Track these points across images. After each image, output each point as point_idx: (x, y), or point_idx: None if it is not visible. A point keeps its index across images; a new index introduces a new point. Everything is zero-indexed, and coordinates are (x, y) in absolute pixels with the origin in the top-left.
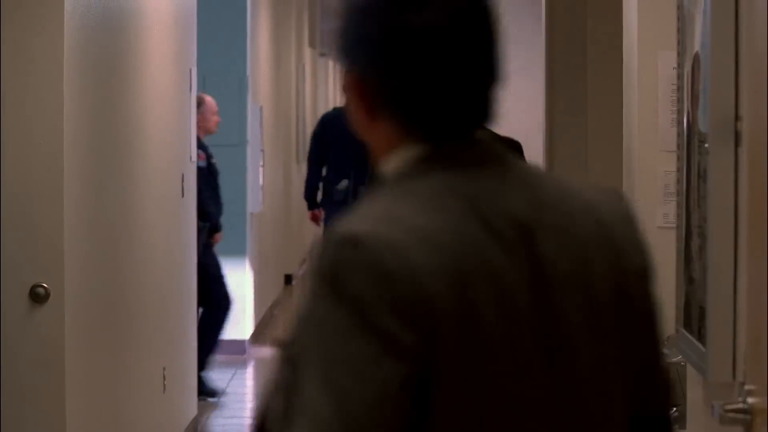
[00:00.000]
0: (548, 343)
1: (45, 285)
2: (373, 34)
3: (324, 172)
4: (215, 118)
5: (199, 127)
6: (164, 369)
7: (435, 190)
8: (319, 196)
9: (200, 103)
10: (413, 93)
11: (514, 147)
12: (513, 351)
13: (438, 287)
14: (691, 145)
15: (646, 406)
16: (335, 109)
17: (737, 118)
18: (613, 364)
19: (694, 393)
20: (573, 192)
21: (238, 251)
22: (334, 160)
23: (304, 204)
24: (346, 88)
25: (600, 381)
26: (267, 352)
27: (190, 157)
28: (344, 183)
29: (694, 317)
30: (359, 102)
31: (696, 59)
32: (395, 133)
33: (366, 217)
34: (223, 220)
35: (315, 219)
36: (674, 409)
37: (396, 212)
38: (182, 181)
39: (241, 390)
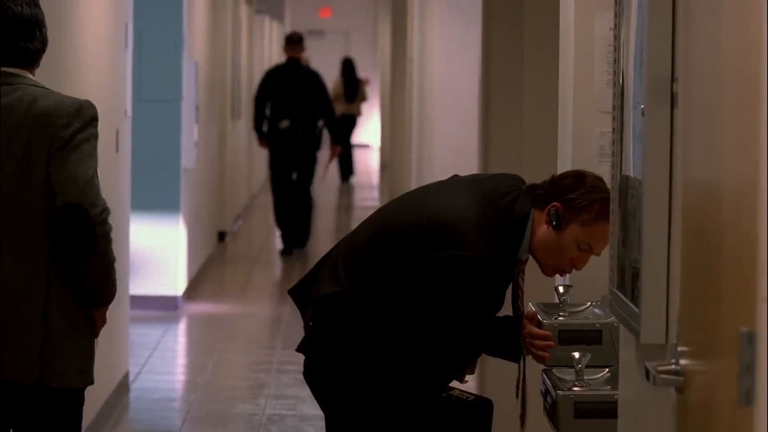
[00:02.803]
0: None
1: None
2: None
3: (268, 113)
4: None
5: None
6: None
7: None
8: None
9: None
10: None
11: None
12: None
13: None
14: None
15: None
16: (277, 66)
17: (673, 79)
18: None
19: (626, 354)
20: (39, 98)
21: (171, 207)
22: (275, 105)
23: (238, 161)
24: None
25: (15, 196)
26: (199, 308)
27: (125, 112)
28: (285, 122)
29: (627, 278)
30: None
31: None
32: None
33: None
34: (157, 176)
35: (262, 145)
36: (607, 369)
37: None
38: (117, 135)
39: (173, 346)
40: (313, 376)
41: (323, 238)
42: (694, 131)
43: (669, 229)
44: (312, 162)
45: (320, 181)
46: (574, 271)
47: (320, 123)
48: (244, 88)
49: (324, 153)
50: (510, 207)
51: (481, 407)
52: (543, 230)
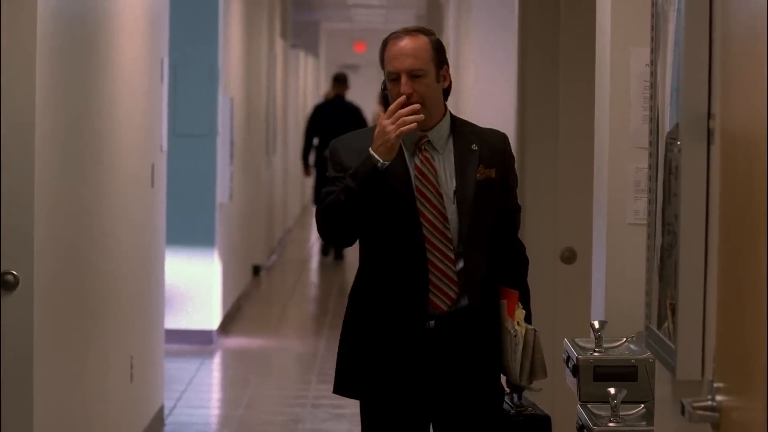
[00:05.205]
0: None
1: (14, 272)
2: None
3: (316, 142)
4: None
5: None
6: (132, 358)
7: None
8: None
9: None
10: None
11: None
12: None
13: None
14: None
15: None
16: (325, 102)
17: (710, 115)
18: None
19: (662, 390)
20: None
21: (206, 242)
22: (322, 135)
23: (273, 195)
24: None
25: None
26: (234, 342)
27: (161, 147)
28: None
29: (663, 314)
30: None
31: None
32: None
33: None
34: (192, 210)
35: (306, 173)
36: (642, 405)
37: None
38: (152, 170)
39: (208, 380)
40: None
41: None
42: (731, 164)
43: (705, 265)
44: None
45: None
46: (609, 306)
47: None
48: (279, 122)
49: None
50: None
51: (539, 422)
52: None
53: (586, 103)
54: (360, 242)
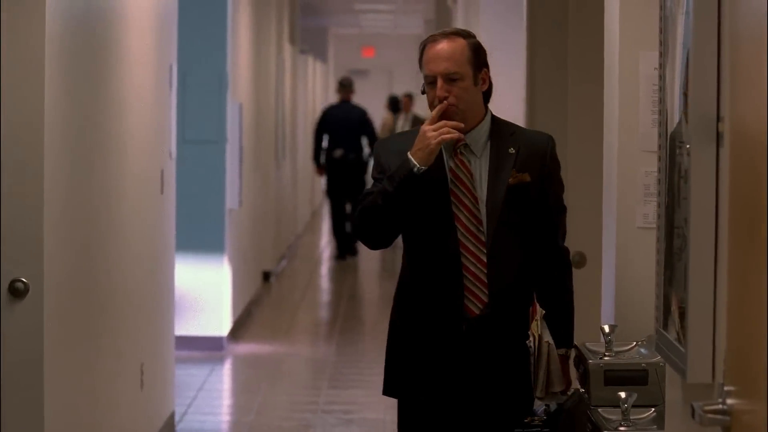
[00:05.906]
0: None
1: (24, 280)
2: None
3: (325, 144)
4: None
5: None
6: (142, 365)
7: None
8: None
9: None
10: None
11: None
12: None
13: None
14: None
15: None
16: (331, 105)
17: (719, 119)
18: None
19: (673, 393)
20: None
21: (216, 248)
22: (331, 137)
23: (283, 201)
24: None
25: None
26: (244, 348)
27: (170, 153)
28: (339, 151)
29: (673, 318)
30: None
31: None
32: None
33: None
34: (202, 217)
35: (319, 173)
36: (653, 409)
37: None
38: (161, 176)
39: (219, 387)
40: None
41: (370, 277)
42: (740, 166)
43: (715, 269)
44: (361, 184)
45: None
46: (619, 310)
47: (367, 151)
48: (288, 128)
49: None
50: None
51: None
52: None
53: (594, 106)
54: (403, 244)
